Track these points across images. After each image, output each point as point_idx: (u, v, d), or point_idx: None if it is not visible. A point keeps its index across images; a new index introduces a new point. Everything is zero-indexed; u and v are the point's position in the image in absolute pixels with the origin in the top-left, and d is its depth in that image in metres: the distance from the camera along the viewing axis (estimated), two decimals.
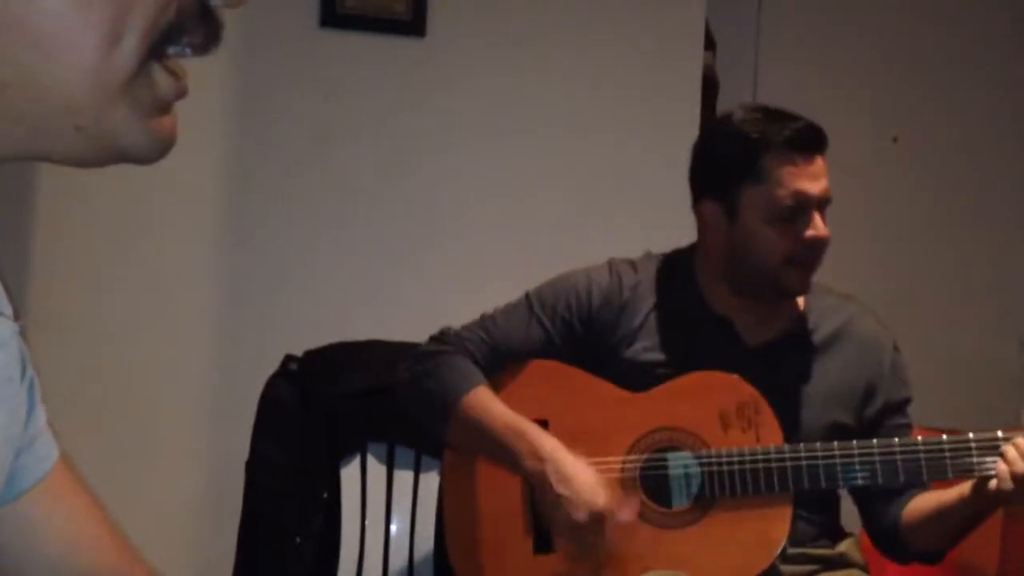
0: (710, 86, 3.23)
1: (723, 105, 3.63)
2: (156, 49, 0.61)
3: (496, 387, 1.97)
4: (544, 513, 1.89)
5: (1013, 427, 1.83)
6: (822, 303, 2.04)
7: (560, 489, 1.81)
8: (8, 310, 0.81)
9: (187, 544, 2.79)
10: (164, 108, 0.63)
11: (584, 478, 1.82)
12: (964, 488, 1.85)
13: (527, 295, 2.04)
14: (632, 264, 2.06)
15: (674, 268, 2.06)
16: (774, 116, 1.94)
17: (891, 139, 3.98)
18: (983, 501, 1.81)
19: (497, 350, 1.99)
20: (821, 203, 1.92)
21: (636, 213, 3.00)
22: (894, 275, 3.84)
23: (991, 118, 4.05)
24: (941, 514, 1.89)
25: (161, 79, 0.62)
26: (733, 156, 1.95)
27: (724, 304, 2.01)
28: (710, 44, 3.26)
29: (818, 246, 1.92)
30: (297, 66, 2.87)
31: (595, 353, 1.99)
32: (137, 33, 0.59)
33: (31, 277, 2.70)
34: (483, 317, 2.04)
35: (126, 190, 2.68)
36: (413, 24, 2.89)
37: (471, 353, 1.99)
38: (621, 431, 1.92)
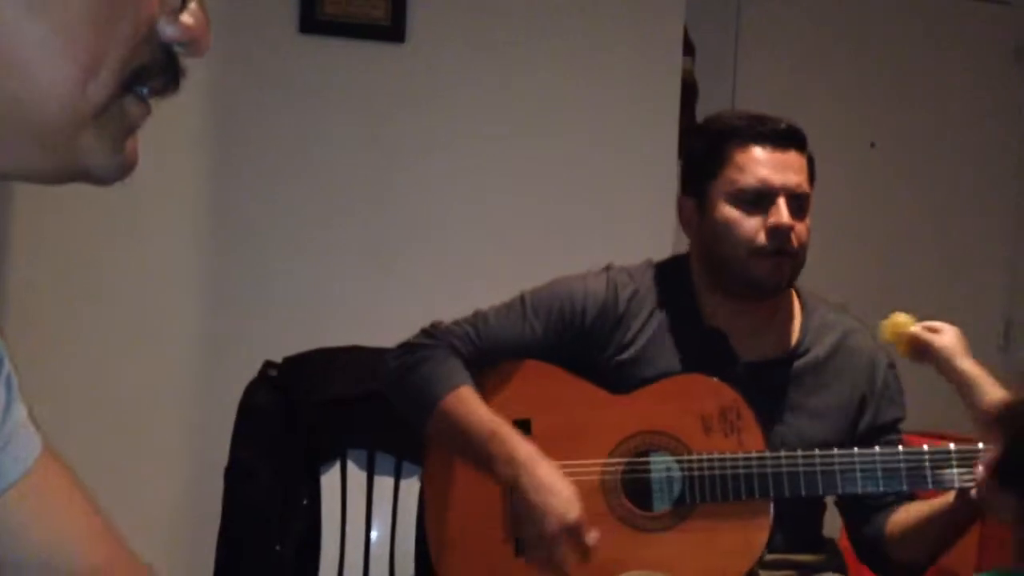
0: (689, 91, 3.24)
1: (702, 111, 3.65)
2: (126, 84, 0.65)
3: (480, 384, 1.95)
4: (517, 518, 1.87)
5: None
6: (816, 322, 2.01)
7: (533, 497, 1.79)
8: None
9: (166, 551, 2.77)
10: (130, 132, 0.67)
11: (559, 488, 1.79)
12: (947, 498, 1.84)
13: (522, 297, 2.01)
14: (630, 273, 2.03)
15: (671, 277, 2.02)
16: (752, 115, 1.97)
17: (869, 144, 4.00)
18: (964, 511, 1.81)
19: (484, 350, 1.98)
20: (789, 195, 1.90)
21: (615, 218, 3.00)
22: (872, 278, 3.86)
23: (967, 124, 4.08)
24: (923, 525, 1.89)
25: (131, 108, 0.66)
26: (703, 149, 1.98)
27: (719, 315, 1.98)
28: (689, 50, 3.27)
29: (782, 235, 1.89)
30: (277, 72, 2.86)
31: (584, 361, 1.98)
32: (112, 69, 0.63)
33: (10, 282, 2.68)
34: (476, 314, 2.02)
35: (106, 195, 2.66)
36: (392, 30, 2.90)
37: (457, 349, 1.97)
38: (604, 433, 1.92)
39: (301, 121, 2.88)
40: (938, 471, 1.82)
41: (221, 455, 2.28)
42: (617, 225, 2.98)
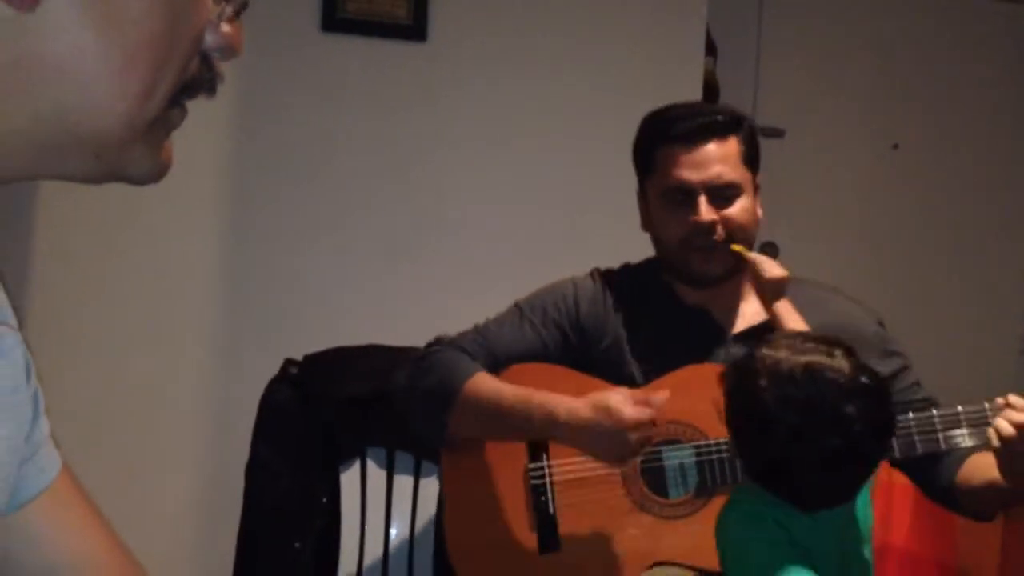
0: (711, 92, 3.24)
1: None
2: (176, 98, 0.70)
3: None
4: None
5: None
6: (805, 295, 2.03)
7: (598, 429, 1.80)
8: (11, 319, 0.82)
9: (186, 548, 2.79)
10: (167, 136, 0.72)
11: (600, 408, 1.81)
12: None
13: (516, 304, 2.09)
14: (613, 272, 2.14)
15: (647, 272, 2.12)
16: (676, 109, 2.04)
17: (891, 146, 3.99)
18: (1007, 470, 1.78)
19: (493, 353, 2.02)
20: (709, 189, 1.96)
21: (636, 220, 2.99)
22: (893, 281, 3.84)
23: (991, 126, 4.06)
24: (991, 484, 1.86)
25: (174, 116, 0.71)
26: (638, 150, 2.08)
27: (696, 297, 2.06)
28: (711, 50, 3.26)
29: (703, 231, 1.96)
30: (298, 70, 2.87)
31: (587, 359, 2.03)
32: (168, 87, 0.67)
33: (31, 282, 2.70)
34: (476, 327, 2.08)
35: (126, 195, 2.67)
36: (414, 29, 2.90)
37: (467, 351, 2.02)
38: None
39: (322, 119, 2.89)
40: (949, 432, 1.86)
41: (242, 452, 2.29)
42: (637, 227, 2.97)
